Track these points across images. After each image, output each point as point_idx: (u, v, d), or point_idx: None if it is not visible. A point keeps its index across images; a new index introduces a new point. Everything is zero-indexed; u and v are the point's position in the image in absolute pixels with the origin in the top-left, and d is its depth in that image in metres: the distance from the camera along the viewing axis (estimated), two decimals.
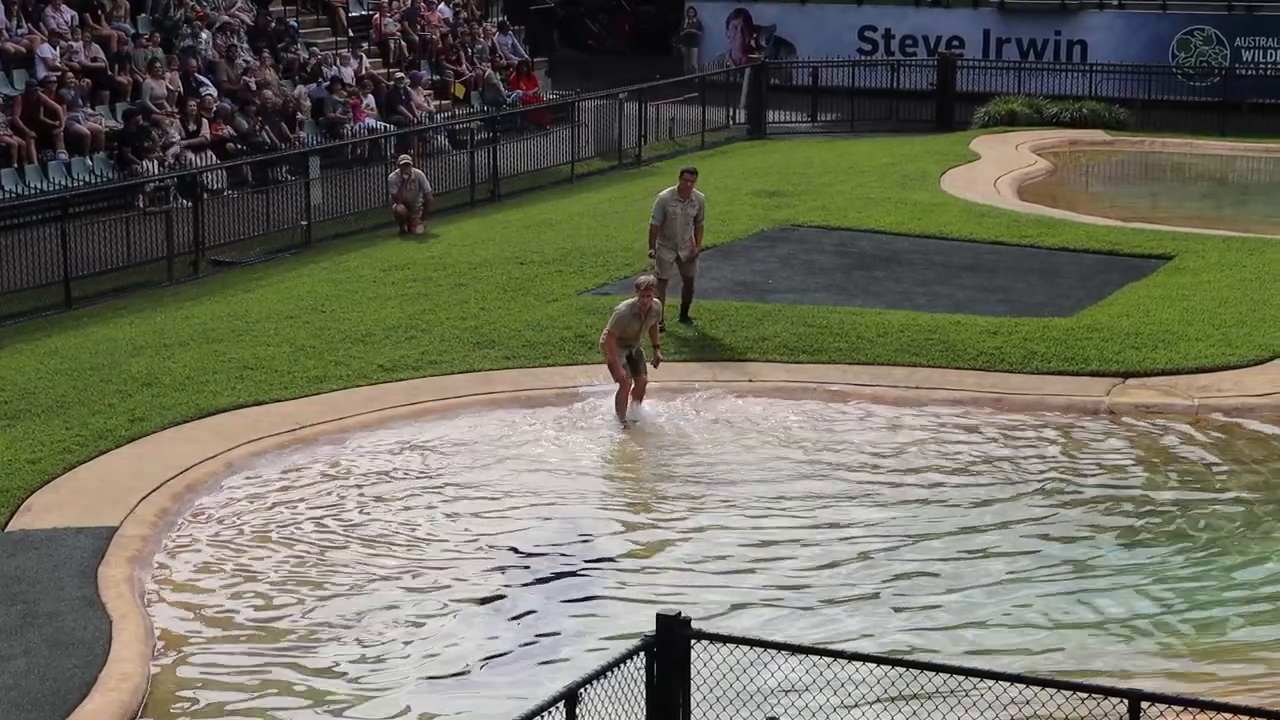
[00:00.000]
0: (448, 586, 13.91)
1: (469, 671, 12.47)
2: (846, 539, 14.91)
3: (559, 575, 14.18)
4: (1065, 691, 8.40)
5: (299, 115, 29.63)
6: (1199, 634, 13.11)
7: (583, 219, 27.12)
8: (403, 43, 34.46)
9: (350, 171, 28.55)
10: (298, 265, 24.56)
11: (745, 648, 8.98)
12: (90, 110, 26.92)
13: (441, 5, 36.79)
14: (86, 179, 25.38)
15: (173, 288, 23.52)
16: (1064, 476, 16.43)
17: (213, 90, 28.79)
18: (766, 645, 9.10)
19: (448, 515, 15.47)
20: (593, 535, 15.06)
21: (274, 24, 32.56)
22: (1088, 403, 18.31)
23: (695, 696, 8.99)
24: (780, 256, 24.29)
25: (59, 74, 26.67)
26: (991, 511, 15.56)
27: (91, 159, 25.92)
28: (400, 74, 32.72)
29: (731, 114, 37.77)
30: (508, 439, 17.38)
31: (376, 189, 28.02)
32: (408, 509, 15.59)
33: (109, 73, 28.05)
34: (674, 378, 18.82)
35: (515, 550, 14.69)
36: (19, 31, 27.78)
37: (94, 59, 28.04)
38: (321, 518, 15.36)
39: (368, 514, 15.46)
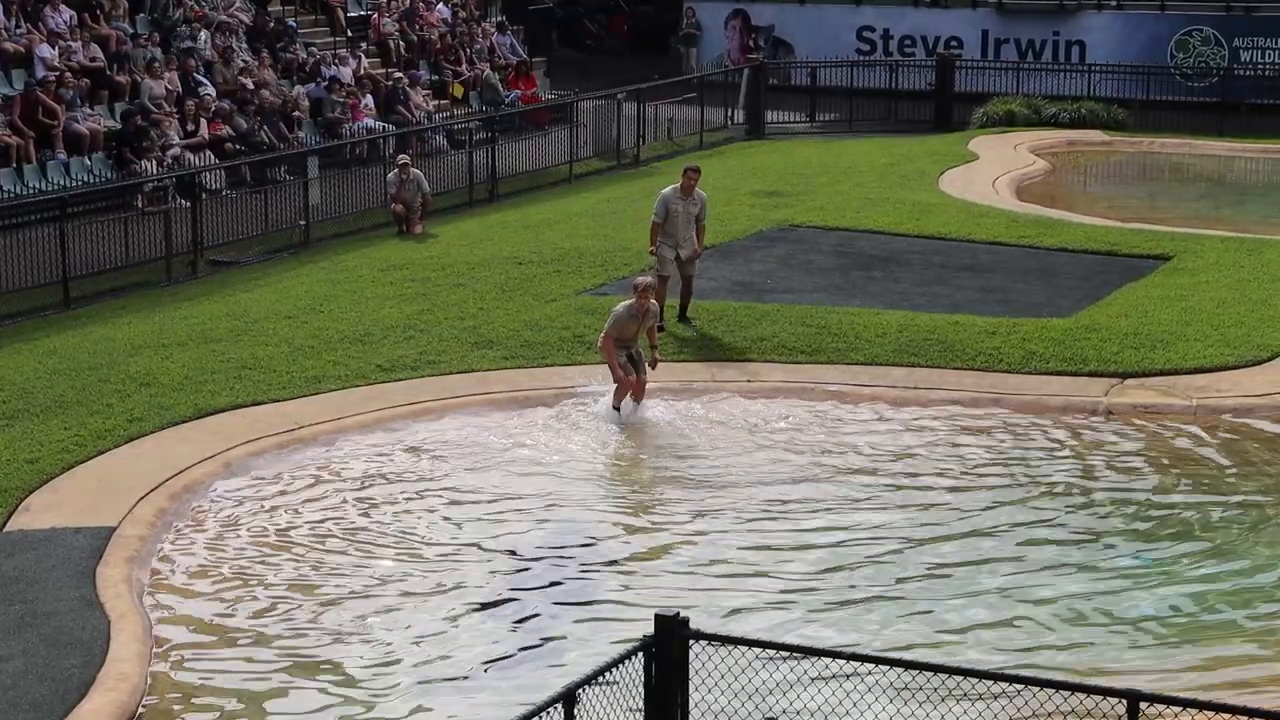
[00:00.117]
0: (447, 589, 13.86)
1: (469, 675, 12.41)
2: (847, 540, 14.88)
3: (560, 578, 14.14)
4: (1064, 691, 8.40)
5: (297, 115, 29.63)
6: (1201, 634, 13.10)
7: (581, 219, 27.12)
8: (401, 43, 34.47)
9: (349, 171, 28.55)
10: (296, 265, 24.56)
11: (744, 648, 8.98)
12: (89, 110, 26.92)
13: (440, 5, 36.79)
14: (85, 179, 25.38)
15: (171, 288, 23.52)
16: (1063, 477, 16.42)
17: (211, 90, 28.79)
18: (765, 645, 9.11)
19: (446, 516, 15.44)
20: (593, 538, 15.02)
21: (272, 24, 32.56)
22: (1086, 403, 18.31)
23: (694, 697, 8.99)
24: (779, 257, 24.29)
25: (58, 74, 26.67)
26: (991, 512, 15.53)
27: (90, 159, 25.92)
28: (399, 74, 32.72)
29: (730, 114, 37.78)
30: (506, 440, 17.37)
31: (375, 189, 28.02)
32: (406, 510, 15.57)
33: (108, 72, 28.04)
34: (673, 378, 18.82)
35: (515, 553, 14.64)
36: (18, 31, 27.78)
37: (93, 59, 28.04)
38: (320, 518, 15.34)
39: (366, 515, 15.44)
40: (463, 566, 14.33)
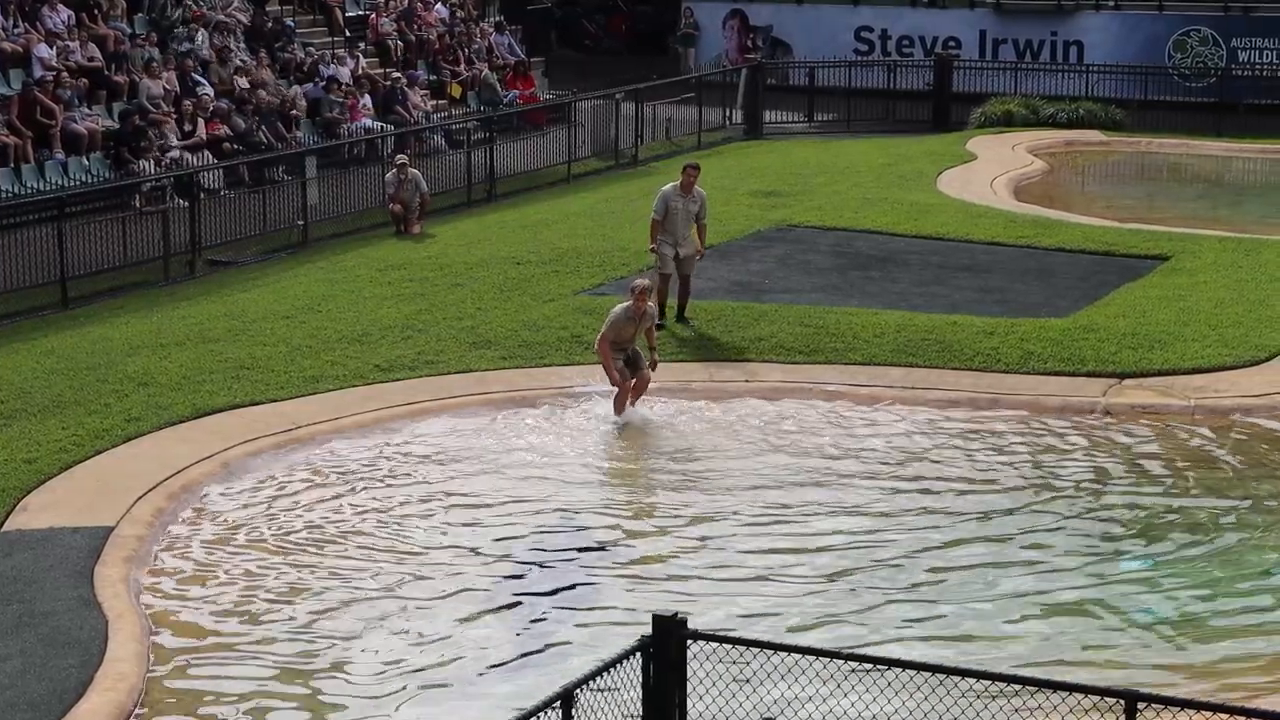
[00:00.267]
0: (448, 593, 13.80)
1: (471, 680, 12.35)
2: (847, 541, 14.87)
3: (562, 582, 14.08)
4: (1062, 692, 8.40)
5: (295, 115, 29.62)
6: (1204, 635, 13.10)
7: (579, 219, 27.11)
8: (399, 42, 34.46)
9: (347, 171, 28.54)
10: (294, 265, 24.55)
11: (742, 648, 8.98)
12: (87, 110, 26.91)
13: (438, 5, 36.77)
14: (83, 179, 25.37)
15: (169, 287, 23.52)
16: (1063, 477, 16.42)
17: (209, 90, 28.77)
18: (763, 646, 9.09)
19: (445, 518, 15.42)
20: (593, 539, 15.00)
21: (270, 24, 32.55)
22: (1084, 403, 18.31)
23: (692, 697, 8.98)
24: (777, 257, 24.29)
25: (55, 74, 26.66)
26: (991, 513, 15.53)
27: (88, 159, 25.90)
28: (397, 74, 32.72)
29: (728, 114, 37.76)
30: (505, 441, 17.35)
31: (373, 189, 28.01)
32: (404, 511, 15.54)
33: (106, 72, 28.03)
34: (671, 378, 18.82)
35: (515, 556, 14.59)
36: (16, 31, 27.77)
37: (91, 59, 28.03)
38: (318, 519, 15.33)
39: (364, 516, 15.42)
40: (463, 570, 14.28)
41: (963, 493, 16.03)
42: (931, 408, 18.30)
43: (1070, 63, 40.14)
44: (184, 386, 18.20)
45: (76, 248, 23.01)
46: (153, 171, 25.85)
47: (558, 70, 41.31)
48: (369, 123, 30.57)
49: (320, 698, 12.14)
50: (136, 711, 11.78)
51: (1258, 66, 39.16)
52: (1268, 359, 19.29)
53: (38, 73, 26.71)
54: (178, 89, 28.22)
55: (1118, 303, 21.63)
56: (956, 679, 8.66)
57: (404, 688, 12.21)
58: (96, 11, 29.40)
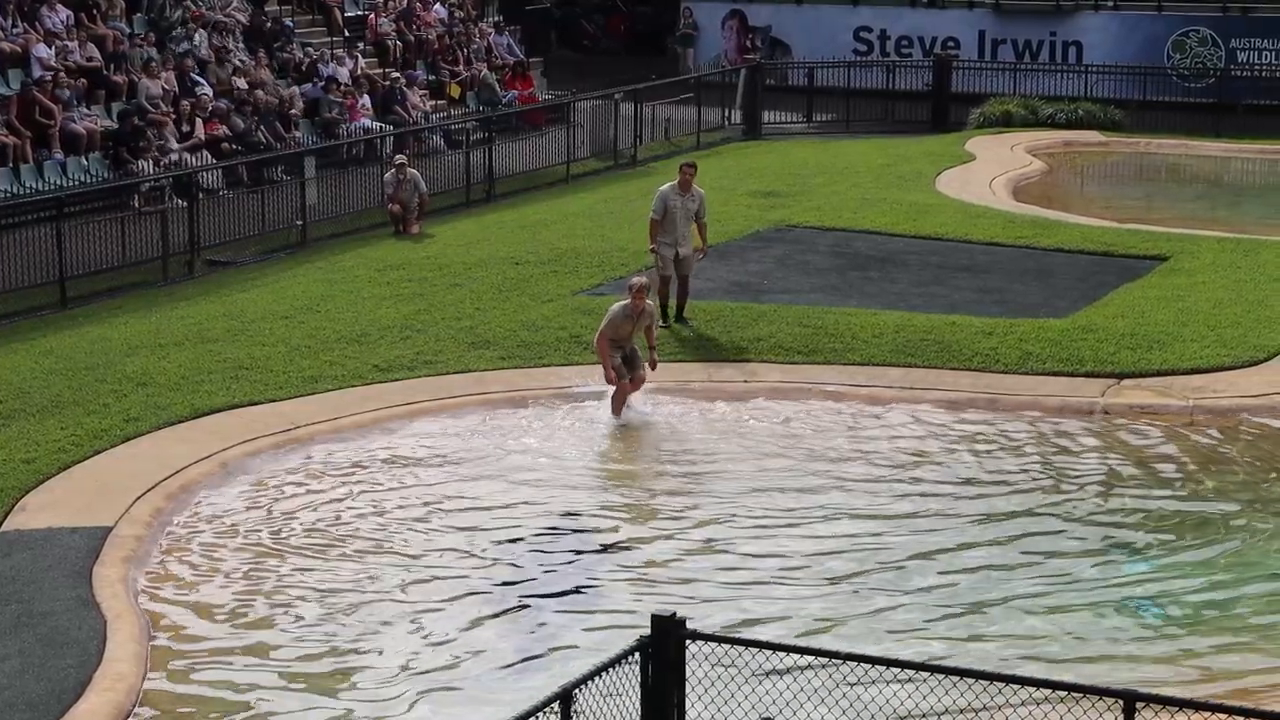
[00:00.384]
0: (449, 595, 13.76)
1: (472, 683, 12.30)
2: (848, 543, 14.84)
3: (560, 581, 14.07)
4: (1060, 692, 8.40)
5: (294, 115, 29.61)
6: (1204, 636, 13.10)
7: (578, 219, 27.11)
8: (398, 43, 34.46)
9: (346, 171, 28.54)
10: (293, 265, 24.55)
11: (741, 648, 8.98)
12: (86, 110, 26.90)
13: (437, 5, 36.77)
14: (82, 179, 25.36)
15: (168, 288, 23.51)
16: (1062, 477, 16.42)
17: (208, 90, 28.77)
18: (762, 645, 9.09)
19: (444, 518, 15.39)
20: (593, 540, 14.98)
21: (269, 24, 32.54)
22: (1083, 403, 18.31)
23: (690, 697, 8.97)
24: (775, 257, 24.29)
25: (54, 73, 26.64)
26: (991, 513, 15.53)
27: (87, 159, 25.90)
28: (396, 74, 32.71)
29: (727, 114, 37.76)
30: (504, 440, 17.34)
31: (372, 189, 28.01)
32: (403, 511, 15.53)
33: (104, 72, 28.03)
34: (670, 378, 18.81)
35: (513, 555, 14.58)
36: (14, 31, 27.76)
37: (89, 59, 28.02)
38: (317, 519, 15.32)
39: (363, 516, 15.41)
40: (465, 572, 14.24)
41: (963, 495, 16.01)
42: (930, 408, 18.28)
43: (1069, 63, 40.15)
44: (183, 387, 18.20)
45: (75, 248, 23.00)
46: (151, 172, 25.84)
47: (557, 70, 41.31)
48: (368, 123, 30.57)
49: (321, 699, 12.10)
50: (135, 712, 11.78)
51: (1256, 67, 39.18)
52: (1266, 359, 19.30)
53: (36, 73, 26.70)
54: (176, 89, 28.22)
55: (1116, 303, 21.63)
56: (956, 679, 8.67)
57: (408, 691, 12.17)
58: (95, 11, 29.39)
